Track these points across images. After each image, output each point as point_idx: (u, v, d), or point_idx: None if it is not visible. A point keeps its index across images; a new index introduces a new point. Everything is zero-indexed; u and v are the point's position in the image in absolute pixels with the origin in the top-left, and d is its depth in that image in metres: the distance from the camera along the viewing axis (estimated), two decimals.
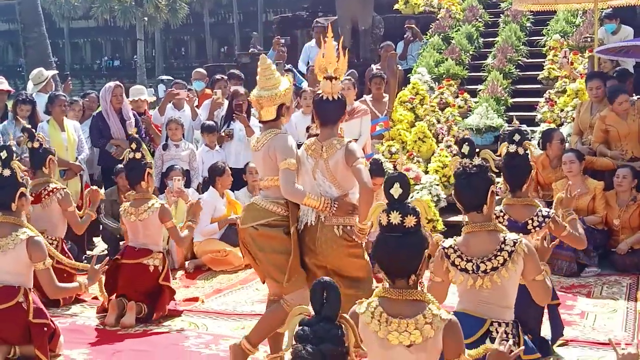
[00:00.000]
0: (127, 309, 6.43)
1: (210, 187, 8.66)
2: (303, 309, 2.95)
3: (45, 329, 5.48)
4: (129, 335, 6.20)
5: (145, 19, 43.92)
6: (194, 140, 10.23)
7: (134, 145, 6.81)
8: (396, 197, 3.19)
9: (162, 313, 6.55)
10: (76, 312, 6.85)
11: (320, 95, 5.18)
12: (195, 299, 7.10)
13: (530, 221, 5.05)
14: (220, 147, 9.63)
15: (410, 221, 3.17)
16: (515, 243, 3.87)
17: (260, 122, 5.47)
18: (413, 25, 13.86)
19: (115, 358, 5.71)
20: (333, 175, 5.01)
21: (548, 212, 5.12)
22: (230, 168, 8.97)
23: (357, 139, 8.31)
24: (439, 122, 11.17)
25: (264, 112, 5.28)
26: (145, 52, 45.48)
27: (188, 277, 8.02)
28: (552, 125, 10.09)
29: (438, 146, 10.47)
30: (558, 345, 5.56)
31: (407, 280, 3.21)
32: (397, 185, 3.20)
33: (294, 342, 2.81)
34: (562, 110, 10.73)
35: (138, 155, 6.77)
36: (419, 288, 3.25)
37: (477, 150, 4.54)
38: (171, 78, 12.19)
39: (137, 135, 7.29)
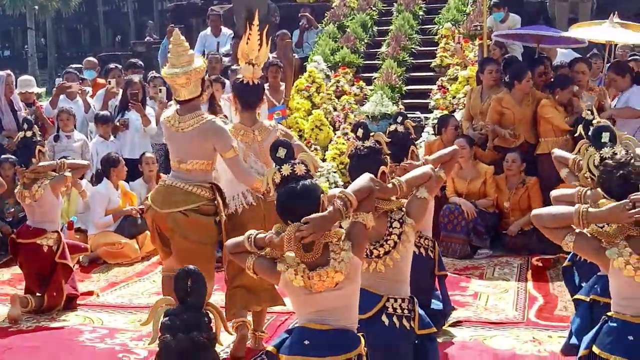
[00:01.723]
0: (10, 301, 6.29)
1: (104, 178, 8.48)
2: (167, 300, 2.93)
3: None
4: (21, 331, 6.04)
5: (36, 7, 42.55)
6: (88, 131, 10.00)
7: (25, 126, 6.63)
8: (283, 157, 3.46)
9: (55, 293, 6.41)
10: None
11: (241, 80, 5.31)
12: (90, 293, 6.96)
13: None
14: (115, 137, 9.45)
15: (300, 169, 3.41)
16: (402, 222, 3.95)
17: (178, 102, 5.34)
18: (307, 14, 13.91)
19: (5, 355, 5.54)
20: (267, 156, 5.03)
21: None
22: (126, 159, 8.80)
23: None
24: (335, 110, 11.27)
25: (185, 91, 5.22)
26: (36, 42, 44.11)
27: (83, 271, 7.84)
28: (445, 112, 10.31)
29: (335, 134, 10.58)
30: (450, 325, 5.71)
31: None
32: (281, 149, 3.45)
33: (160, 334, 2.78)
34: (454, 97, 11.00)
35: (29, 134, 6.59)
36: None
37: (372, 134, 4.62)
38: (80, 66, 11.85)
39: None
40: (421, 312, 4.05)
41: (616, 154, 3.66)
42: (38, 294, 6.47)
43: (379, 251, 3.97)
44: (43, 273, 6.49)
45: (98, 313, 6.45)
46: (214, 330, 2.90)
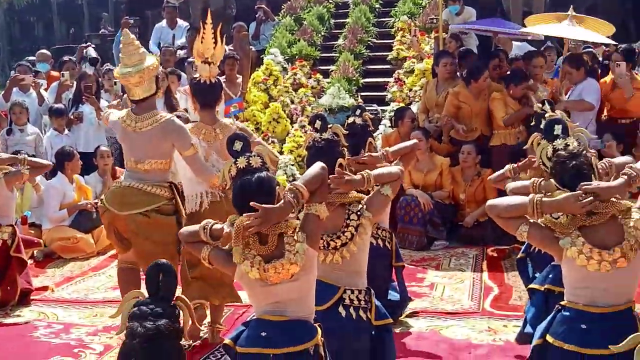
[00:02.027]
0: None
1: (59, 172, 8.37)
2: (137, 293, 2.93)
3: None
4: None
5: None
6: (42, 124, 9.87)
7: None
8: (239, 149, 3.47)
9: (9, 287, 6.34)
10: None
11: (198, 79, 5.31)
12: (45, 288, 6.88)
13: None
14: (69, 130, 9.33)
15: (256, 161, 3.42)
16: (359, 215, 3.97)
17: (133, 101, 5.27)
18: (264, 6, 13.86)
19: None
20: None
21: None
22: (80, 152, 8.71)
23: None
24: (292, 102, 11.26)
25: (140, 90, 5.17)
26: None
27: (37, 266, 7.74)
28: (402, 104, 10.36)
29: (292, 126, 10.56)
30: (407, 316, 5.75)
31: None
32: (237, 142, 3.47)
33: (128, 322, 2.79)
34: (410, 90, 11.06)
35: None
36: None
37: (330, 127, 4.63)
38: (33, 59, 11.72)
39: None
40: (378, 303, 4.08)
41: (568, 145, 3.71)
42: None
43: (336, 243, 3.99)
44: None
45: (53, 308, 6.37)
46: (181, 324, 2.92)
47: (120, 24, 13.07)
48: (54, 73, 10.83)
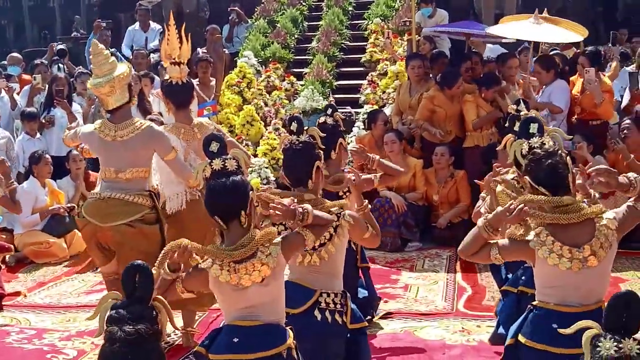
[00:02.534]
0: None
1: (31, 176, 8.31)
2: (114, 295, 2.91)
3: None
4: None
5: None
6: (14, 128, 9.78)
7: None
8: (215, 151, 3.43)
9: None
10: None
11: (170, 81, 5.35)
12: (17, 294, 6.81)
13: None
14: (41, 134, 9.26)
15: (231, 164, 3.39)
16: (339, 216, 3.96)
17: (108, 111, 5.21)
18: (237, 8, 13.84)
19: None
20: None
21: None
22: (52, 156, 8.64)
23: None
24: (266, 105, 11.25)
25: (112, 99, 5.12)
26: None
27: (9, 271, 7.65)
28: (375, 107, 10.39)
29: (266, 129, 10.56)
30: (381, 317, 5.77)
31: (239, 222, 3.34)
32: (214, 142, 3.43)
33: (107, 326, 2.77)
34: (383, 92, 11.08)
35: None
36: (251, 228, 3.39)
37: (306, 129, 4.63)
38: (4, 62, 11.65)
39: None
40: (353, 306, 4.08)
41: (544, 143, 3.72)
42: None
43: (314, 243, 3.99)
44: None
45: (25, 313, 6.32)
46: (159, 325, 2.90)
47: (93, 27, 13.01)
48: (26, 76, 10.74)
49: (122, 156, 5.13)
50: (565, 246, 3.47)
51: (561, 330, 3.05)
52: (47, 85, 9.61)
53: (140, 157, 5.15)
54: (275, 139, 10.00)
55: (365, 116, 9.74)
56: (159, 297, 2.97)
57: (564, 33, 8.58)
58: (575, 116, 8.41)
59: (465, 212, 7.95)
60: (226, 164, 3.39)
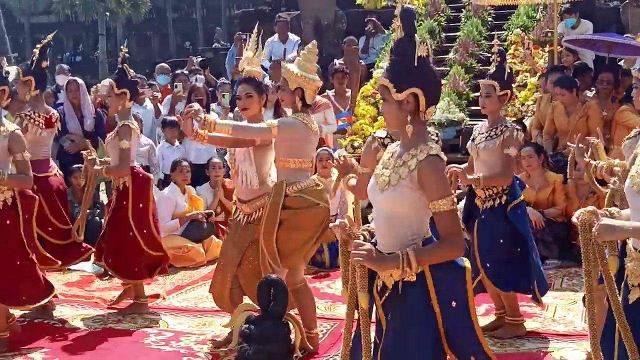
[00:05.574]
0: None
1: (172, 182, 8.58)
2: (249, 306, 2.92)
3: None
4: (89, 333, 6.13)
5: (107, 14, 43.44)
6: (157, 136, 10.13)
7: None
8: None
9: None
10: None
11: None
12: (157, 296, 7.04)
13: None
14: (180, 143, 9.55)
15: None
16: None
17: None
18: (374, 19, 13.85)
19: (75, 357, 5.63)
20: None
21: None
22: (192, 164, 8.89)
23: None
24: None
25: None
26: (107, 48, 45.03)
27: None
28: (513, 119, 10.14)
29: None
30: (515, 336, 5.61)
31: None
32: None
33: (240, 339, 2.78)
34: (522, 104, 10.81)
35: None
36: None
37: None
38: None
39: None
40: None
41: None
42: None
43: None
44: None
45: (164, 316, 6.51)
46: (292, 342, 2.88)
47: (233, 39, 13.35)
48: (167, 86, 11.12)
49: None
50: None
51: None
52: (186, 95, 9.92)
53: None
54: None
55: None
56: (291, 313, 2.93)
57: None
58: None
59: None
60: None
